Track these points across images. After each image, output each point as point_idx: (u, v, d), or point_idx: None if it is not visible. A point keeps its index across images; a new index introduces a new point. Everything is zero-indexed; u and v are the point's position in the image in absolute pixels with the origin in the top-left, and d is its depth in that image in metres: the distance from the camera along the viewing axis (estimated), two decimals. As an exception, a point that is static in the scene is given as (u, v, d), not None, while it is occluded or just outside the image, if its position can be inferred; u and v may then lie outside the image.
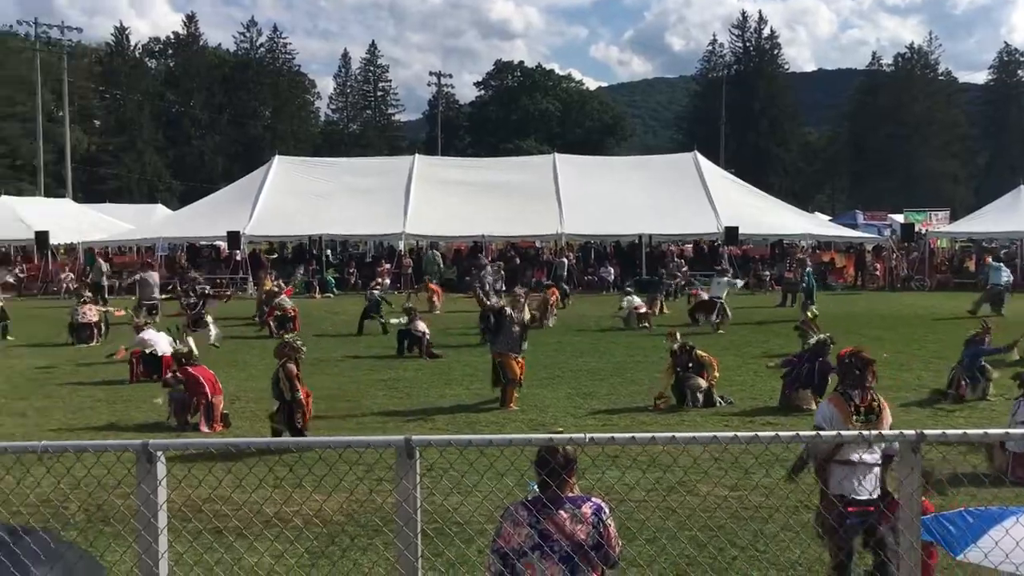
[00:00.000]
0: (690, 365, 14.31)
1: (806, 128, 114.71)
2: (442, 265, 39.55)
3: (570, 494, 4.41)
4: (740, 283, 30.17)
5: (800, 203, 61.15)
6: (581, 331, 24.37)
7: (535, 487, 4.40)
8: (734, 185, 44.43)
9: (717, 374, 14.61)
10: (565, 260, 38.43)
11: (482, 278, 27.91)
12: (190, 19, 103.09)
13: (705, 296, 26.78)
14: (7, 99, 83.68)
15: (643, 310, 25.65)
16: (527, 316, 14.87)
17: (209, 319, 21.60)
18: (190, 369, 13.53)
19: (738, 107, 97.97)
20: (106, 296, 29.40)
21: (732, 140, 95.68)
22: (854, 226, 52.39)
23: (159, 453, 3.69)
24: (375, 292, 25.76)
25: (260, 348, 21.00)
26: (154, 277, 28.26)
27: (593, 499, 4.46)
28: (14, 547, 4.99)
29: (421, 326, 20.21)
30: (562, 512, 4.30)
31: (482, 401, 14.53)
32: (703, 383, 14.27)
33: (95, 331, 22.96)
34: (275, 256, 41.90)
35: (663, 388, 14.27)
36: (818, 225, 45.44)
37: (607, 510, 4.41)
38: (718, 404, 14.15)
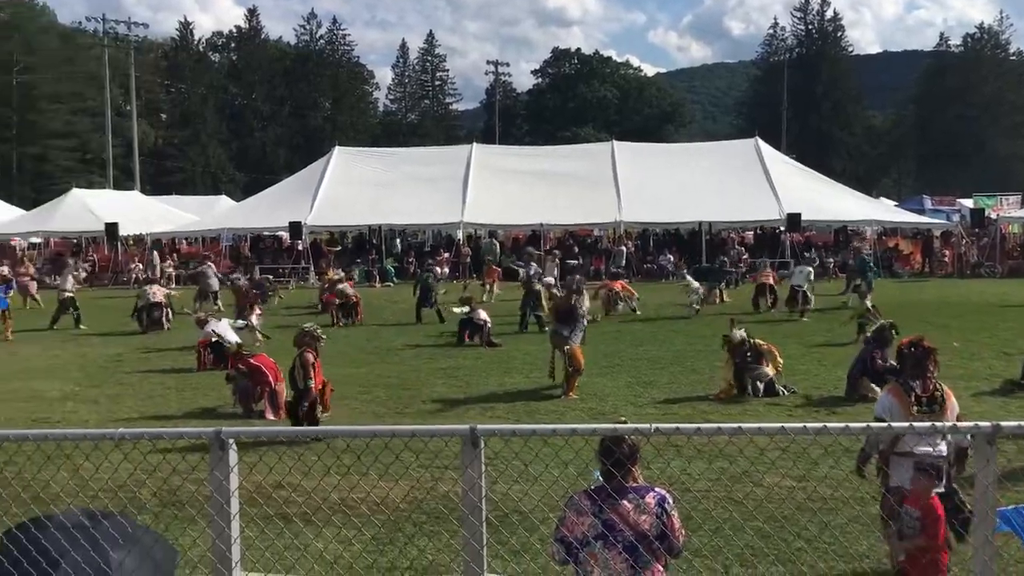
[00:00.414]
0: (748, 355, 14.08)
1: (870, 111, 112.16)
2: (500, 253, 39.62)
3: (634, 484, 4.40)
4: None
5: (864, 188, 59.85)
6: (640, 320, 24.21)
7: (599, 476, 4.38)
8: (796, 170, 43.67)
9: (781, 361, 14.34)
10: (624, 248, 38.22)
11: (527, 265, 27.97)
12: (252, 13, 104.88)
13: (771, 281, 26.48)
14: (78, 95, 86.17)
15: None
16: (586, 306, 14.92)
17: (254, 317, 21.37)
18: (251, 360, 13.67)
19: (800, 91, 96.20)
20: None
21: (794, 125, 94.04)
22: (921, 211, 51.15)
23: (231, 440, 3.75)
24: (427, 276, 25.63)
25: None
26: (212, 268, 28.65)
27: (657, 489, 4.46)
28: (94, 531, 5.15)
29: (483, 315, 20.19)
30: (626, 502, 4.29)
31: (541, 388, 14.38)
32: (770, 371, 14.05)
33: (163, 314, 23.55)
34: (338, 248, 42.17)
35: (725, 382, 14.02)
36: (883, 211, 44.42)
37: (671, 500, 4.40)
38: (781, 394, 13.92)
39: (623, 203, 38.96)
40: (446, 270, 37.00)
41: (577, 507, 4.38)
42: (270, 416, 12.82)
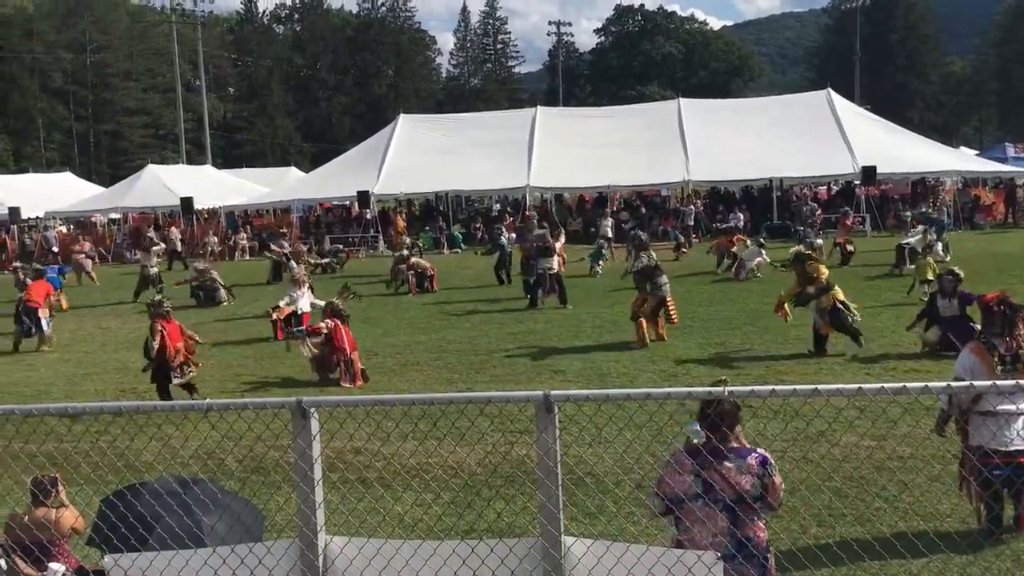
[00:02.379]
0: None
1: (948, 58, 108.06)
2: (566, 216, 39.62)
3: (735, 446, 4.45)
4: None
5: (943, 138, 57.88)
6: (711, 279, 23.93)
7: (695, 428, 4.36)
8: (870, 122, 42.30)
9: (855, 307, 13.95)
10: (692, 208, 37.70)
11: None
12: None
13: (845, 238, 26.09)
14: (149, 71, 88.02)
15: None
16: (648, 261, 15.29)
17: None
18: (327, 330, 13.84)
19: (873, 39, 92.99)
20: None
21: (867, 75, 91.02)
22: (1004, 160, 49.22)
23: (312, 410, 3.81)
24: (502, 240, 25.66)
25: (394, 304, 21.64)
26: (283, 245, 28.51)
27: (759, 451, 4.50)
28: (185, 496, 5.38)
29: (553, 263, 19.64)
30: (727, 463, 4.37)
31: (612, 349, 14.46)
32: (856, 312, 13.68)
33: (217, 291, 23.54)
34: (412, 214, 42.22)
35: (785, 297, 13.98)
36: (963, 160, 42.83)
37: (772, 461, 4.46)
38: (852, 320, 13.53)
39: (691, 162, 38.29)
40: (512, 235, 36.98)
41: (678, 464, 4.45)
42: (346, 384, 13.03)
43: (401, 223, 37.33)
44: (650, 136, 40.45)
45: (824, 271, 13.95)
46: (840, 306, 13.51)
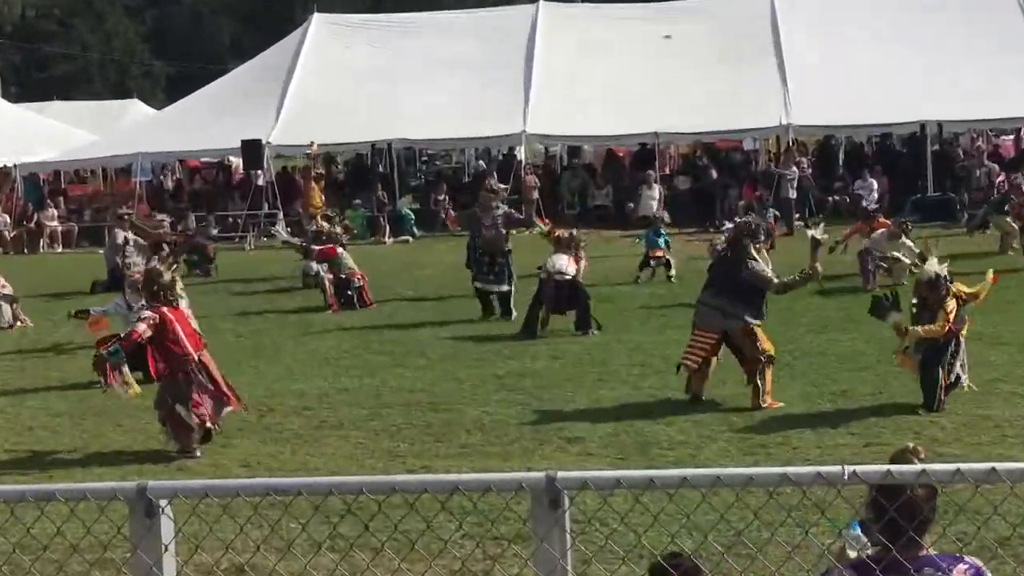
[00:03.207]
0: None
1: None
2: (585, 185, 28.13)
3: (926, 554, 3.42)
4: None
5: None
6: (824, 291, 16.87)
7: (857, 534, 3.59)
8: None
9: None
10: (794, 170, 25.21)
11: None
12: None
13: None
14: None
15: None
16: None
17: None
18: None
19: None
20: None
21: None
22: None
23: (163, 502, 3.12)
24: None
25: (301, 327, 15.95)
26: (120, 236, 19.62)
27: (967, 559, 3.57)
28: None
29: (564, 265, 14.15)
30: None
31: (661, 400, 11.02)
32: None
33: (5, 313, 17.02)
34: (332, 179, 30.24)
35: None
36: None
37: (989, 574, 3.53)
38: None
39: (791, 95, 26.06)
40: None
41: None
42: (211, 424, 9.67)
43: (316, 194, 23.66)
44: (724, 51, 27.93)
45: (952, 307, 9.86)
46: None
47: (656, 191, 25.00)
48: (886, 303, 9.97)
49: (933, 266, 9.95)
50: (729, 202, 25.69)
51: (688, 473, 2.98)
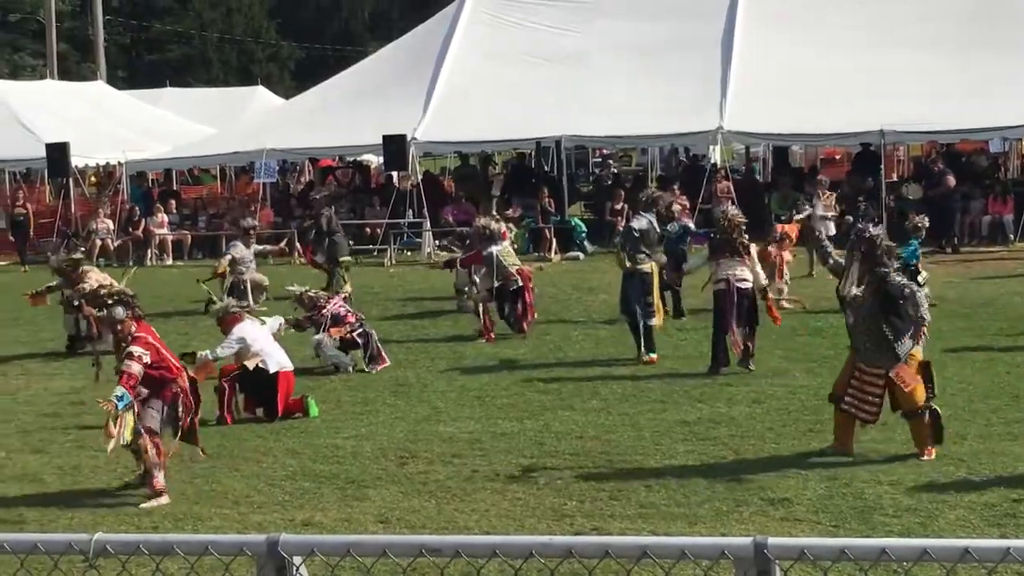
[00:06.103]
0: None
1: None
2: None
3: None
4: None
5: None
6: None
7: None
8: None
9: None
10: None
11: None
12: None
13: None
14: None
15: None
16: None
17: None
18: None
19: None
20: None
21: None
22: None
23: (297, 559, 3.18)
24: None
25: (449, 356, 15.06)
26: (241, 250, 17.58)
27: None
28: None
29: (741, 273, 13.07)
30: None
31: (883, 461, 9.97)
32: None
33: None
34: (487, 182, 28.09)
35: None
36: None
37: None
38: None
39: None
40: (683, 222, 21.21)
41: None
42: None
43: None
44: (976, 32, 23.52)
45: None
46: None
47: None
48: None
49: None
50: (971, 216, 21.85)
51: (928, 544, 2.91)
